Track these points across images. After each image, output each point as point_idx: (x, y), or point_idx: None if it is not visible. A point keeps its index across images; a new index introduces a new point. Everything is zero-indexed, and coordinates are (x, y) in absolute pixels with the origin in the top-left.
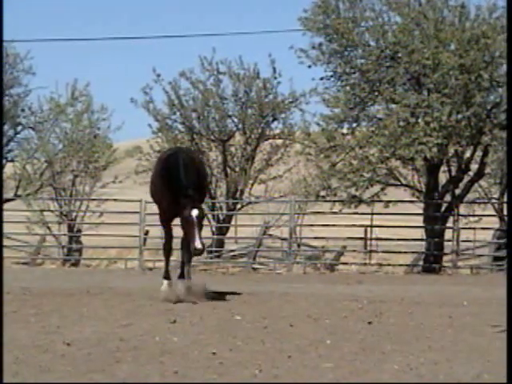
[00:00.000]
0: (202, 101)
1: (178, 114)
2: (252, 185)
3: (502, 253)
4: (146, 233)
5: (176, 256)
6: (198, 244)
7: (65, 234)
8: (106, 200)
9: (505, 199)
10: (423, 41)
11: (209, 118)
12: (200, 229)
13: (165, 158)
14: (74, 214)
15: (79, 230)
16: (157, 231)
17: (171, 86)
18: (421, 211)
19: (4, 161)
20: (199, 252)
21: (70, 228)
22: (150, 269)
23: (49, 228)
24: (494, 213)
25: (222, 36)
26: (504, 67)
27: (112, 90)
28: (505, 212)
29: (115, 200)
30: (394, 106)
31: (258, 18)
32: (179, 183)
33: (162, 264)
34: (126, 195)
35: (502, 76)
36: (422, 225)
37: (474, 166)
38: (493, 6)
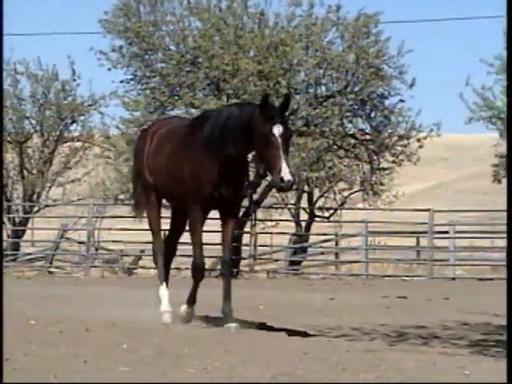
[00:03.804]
0: None
1: None
2: (50, 187)
3: (298, 257)
4: None
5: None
6: (285, 174)
7: None
8: None
9: (301, 204)
10: (223, 46)
11: (5, 119)
12: (287, 153)
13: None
14: None
15: None
16: None
17: None
18: (218, 215)
19: None
20: (288, 187)
21: None
22: None
23: None
24: (291, 218)
25: (21, 36)
26: (302, 74)
27: None
28: (301, 217)
29: None
30: (193, 110)
31: (57, 18)
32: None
33: None
34: None
35: (300, 83)
36: (220, 229)
37: None
38: (291, 14)
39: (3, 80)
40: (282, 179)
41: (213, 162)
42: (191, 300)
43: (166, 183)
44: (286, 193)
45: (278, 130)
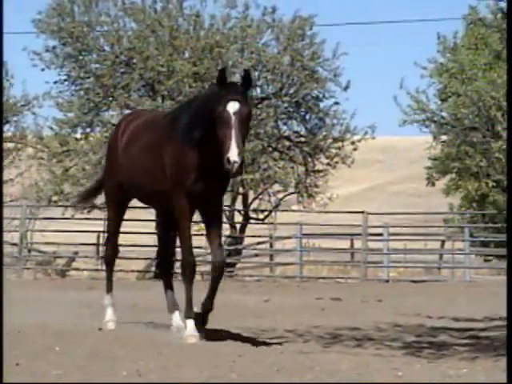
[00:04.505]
0: None
1: None
2: None
3: (233, 259)
4: None
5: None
6: (232, 155)
7: None
8: None
9: (236, 206)
10: (158, 48)
11: None
12: (242, 134)
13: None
14: None
15: None
16: None
17: None
18: (153, 217)
19: None
20: (234, 169)
21: None
22: None
23: None
24: (225, 220)
25: None
26: (237, 76)
27: None
28: (235, 219)
29: None
30: (128, 111)
31: None
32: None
33: None
34: None
35: None
36: (154, 231)
37: None
38: (227, 16)
39: (3, 80)
40: (228, 160)
41: (190, 152)
42: (189, 307)
43: (141, 179)
44: (234, 178)
45: (232, 107)
